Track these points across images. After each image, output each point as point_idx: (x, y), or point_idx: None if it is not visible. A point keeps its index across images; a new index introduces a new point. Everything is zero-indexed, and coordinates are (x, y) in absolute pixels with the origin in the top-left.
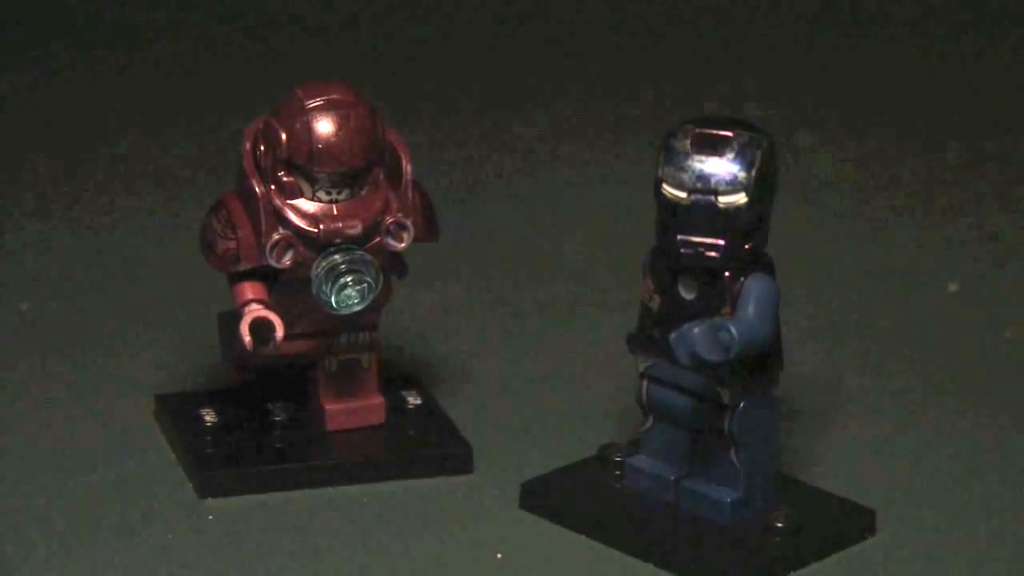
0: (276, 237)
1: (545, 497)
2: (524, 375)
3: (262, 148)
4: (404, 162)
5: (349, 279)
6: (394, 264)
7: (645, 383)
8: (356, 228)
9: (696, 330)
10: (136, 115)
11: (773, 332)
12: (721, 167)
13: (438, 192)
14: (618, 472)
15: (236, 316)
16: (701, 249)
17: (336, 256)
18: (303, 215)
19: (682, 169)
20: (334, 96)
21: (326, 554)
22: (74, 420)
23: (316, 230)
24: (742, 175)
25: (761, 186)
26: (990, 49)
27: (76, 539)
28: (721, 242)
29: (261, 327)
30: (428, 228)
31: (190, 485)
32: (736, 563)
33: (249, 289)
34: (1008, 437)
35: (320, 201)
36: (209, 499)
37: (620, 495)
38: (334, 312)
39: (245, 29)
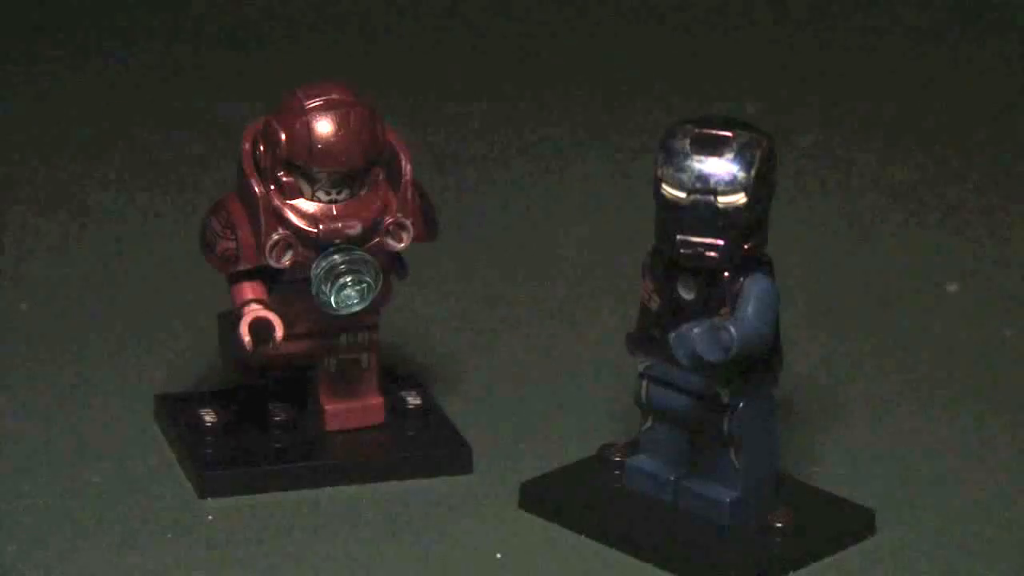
0: (276, 237)
1: (545, 497)
2: (524, 375)
3: (262, 148)
4: (404, 162)
5: (348, 279)
6: (394, 264)
7: (645, 383)
8: (356, 228)
9: (695, 330)
10: (136, 115)
11: (772, 332)
12: (720, 167)
13: (438, 192)
14: (618, 472)
15: (236, 316)
16: (701, 249)
17: (335, 256)
18: (303, 215)
19: (681, 169)
20: (334, 96)
21: (326, 554)
22: (74, 420)
23: (316, 230)
24: (741, 175)
25: (760, 186)
26: (990, 49)
27: (76, 539)
28: (720, 242)
29: (261, 327)
30: (428, 228)
31: (190, 485)
32: (736, 563)
33: (249, 289)
34: (1008, 437)
35: (320, 201)
36: (209, 499)
37: (620, 495)
38: (333, 312)
39: (245, 29)
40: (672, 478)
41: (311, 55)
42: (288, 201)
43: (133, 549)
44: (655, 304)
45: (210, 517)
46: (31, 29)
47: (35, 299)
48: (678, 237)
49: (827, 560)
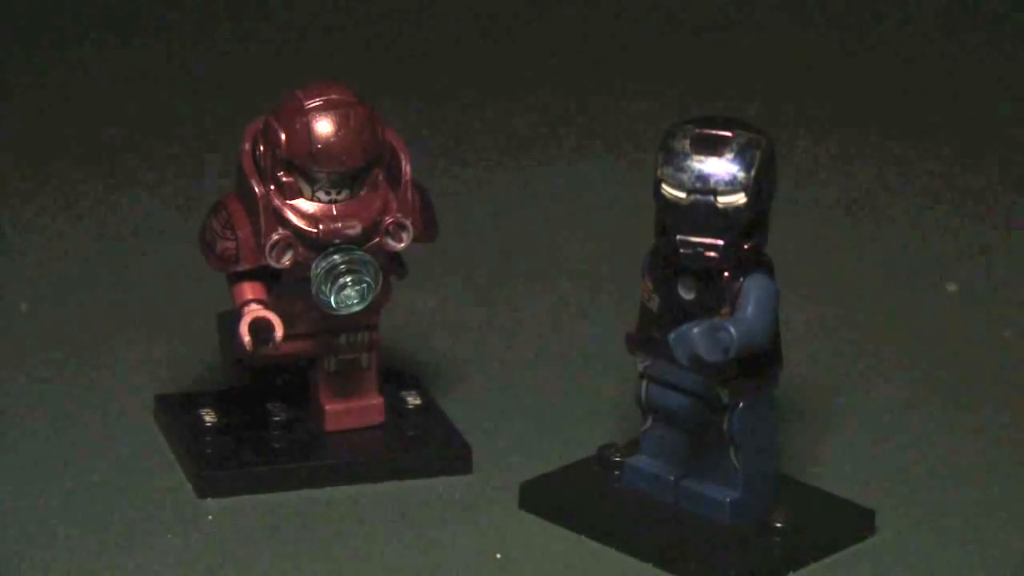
0: (276, 237)
1: (544, 497)
2: (524, 375)
3: (262, 148)
4: (403, 162)
5: (348, 279)
6: (394, 264)
7: (645, 383)
8: (355, 228)
9: (695, 330)
10: (136, 115)
11: (772, 332)
12: (720, 167)
13: (437, 192)
14: (618, 472)
15: (236, 316)
16: (701, 249)
17: (335, 256)
18: (303, 215)
19: (681, 169)
20: (333, 96)
21: (326, 554)
22: (74, 420)
23: (316, 230)
24: (741, 175)
25: (760, 186)
26: (991, 48)
27: (76, 539)
28: (720, 242)
29: (261, 327)
30: (427, 228)
31: (190, 485)
32: (736, 563)
33: (249, 289)
34: (1008, 437)
35: (320, 201)
36: (209, 499)
37: (620, 495)
38: (333, 312)
39: (245, 29)
40: (672, 478)
41: (311, 55)
42: (288, 201)
43: (133, 549)
44: (655, 304)
45: (210, 517)
46: (30, 28)
47: (35, 299)
48: (678, 237)
49: (827, 560)
